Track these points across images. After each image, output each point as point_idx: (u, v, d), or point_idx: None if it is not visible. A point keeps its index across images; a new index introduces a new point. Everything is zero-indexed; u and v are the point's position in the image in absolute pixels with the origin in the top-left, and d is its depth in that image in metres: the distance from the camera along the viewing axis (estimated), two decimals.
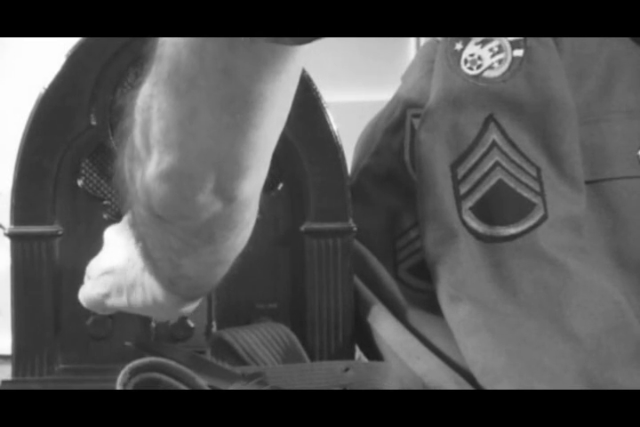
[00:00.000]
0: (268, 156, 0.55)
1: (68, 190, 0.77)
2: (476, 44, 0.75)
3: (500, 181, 0.72)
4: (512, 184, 0.72)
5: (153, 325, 0.78)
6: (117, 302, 0.70)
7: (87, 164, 0.78)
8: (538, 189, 0.71)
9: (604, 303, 0.68)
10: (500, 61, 0.73)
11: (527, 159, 0.72)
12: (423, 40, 1.09)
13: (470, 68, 0.74)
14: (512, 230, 0.71)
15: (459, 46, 0.75)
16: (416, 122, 0.78)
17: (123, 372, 0.60)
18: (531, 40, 0.73)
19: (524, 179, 0.72)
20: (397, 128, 0.81)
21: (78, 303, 0.73)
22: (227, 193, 0.54)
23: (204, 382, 0.62)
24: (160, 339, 0.78)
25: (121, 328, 0.77)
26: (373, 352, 0.76)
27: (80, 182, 0.77)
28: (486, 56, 0.74)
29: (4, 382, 0.76)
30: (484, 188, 0.72)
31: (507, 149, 0.72)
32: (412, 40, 1.46)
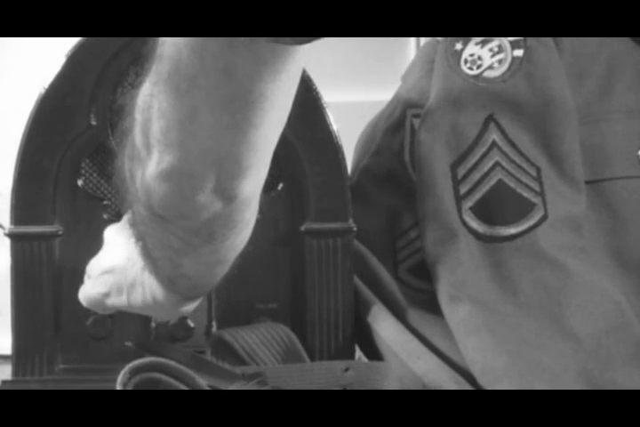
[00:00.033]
0: (269, 155, 0.55)
1: (68, 190, 0.77)
2: (476, 44, 0.75)
3: (499, 181, 0.72)
4: (512, 184, 0.72)
5: (153, 325, 0.78)
6: (117, 301, 0.70)
7: (87, 164, 0.78)
8: (538, 189, 0.71)
9: (603, 303, 0.68)
10: (499, 61, 0.73)
11: (527, 159, 0.72)
12: (423, 40, 1.09)
13: (470, 68, 0.74)
14: (512, 230, 0.71)
15: (459, 46, 0.75)
16: (416, 122, 0.78)
17: (123, 372, 0.60)
18: (531, 40, 0.73)
19: (524, 179, 0.72)
20: (397, 128, 0.81)
21: (78, 303, 0.73)
22: (227, 192, 0.54)
23: (204, 382, 0.62)
24: (160, 339, 0.78)
25: (121, 328, 0.77)
26: (373, 352, 0.76)
27: (80, 182, 0.77)
28: (486, 56, 0.74)
29: (4, 382, 0.76)
30: (484, 188, 0.72)
31: (507, 149, 0.72)
32: (412, 40, 1.46)
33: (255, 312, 0.79)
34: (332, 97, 0.78)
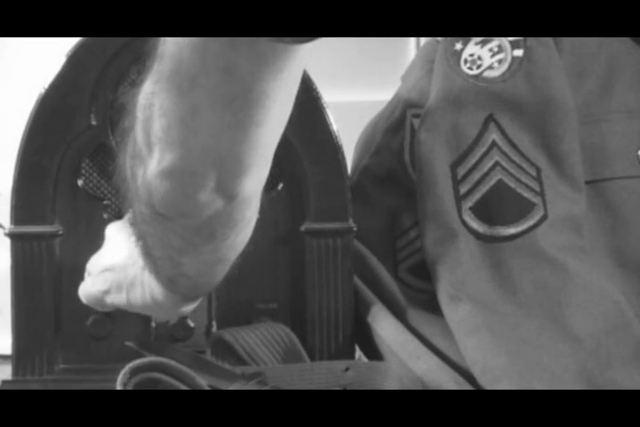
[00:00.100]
0: (270, 154, 0.55)
1: (68, 190, 0.77)
2: (476, 44, 0.75)
3: (499, 181, 0.72)
4: (512, 184, 0.72)
5: (153, 325, 0.78)
6: (117, 299, 0.70)
7: (87, 164, 0.78)
8: (538, 188, 0.71)
9: (603, 303, 0.68)
10: (499, 61, 0.73)
11: (527, 159, 0.72)
12: (423, 40, 1.09)
13: (470, 68, 0.74)
14: (512, 230, 0.71)
15: (459, 46, 0.75)
16: (416, 122, 0.78)
17: (123, 372, 0.60)
18: (531, 40, 0.73)
19: (524, 179, 0.72)
20: (397, 128, 0.81)
21: (78, 303, 0.73)
22: (228, 191, 0.54)
23: (204, 382, 0.62)
24: (160, 339, 0.78)
25: (121, 328, 0.77)
26: (373, 352, 0.76)
27: (80, 182, 0.77)
28: (486, 56, 0.74)
29: (4, 382, 0.76)
30: (484, 188, 0.72)
31: (506, 148, 0.72)
32: (412, 40, 1.46)
33: (255, 312, 0.79)
34: (331, 97, 0.78)
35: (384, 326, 0.75)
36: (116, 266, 0.69)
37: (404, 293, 0.78)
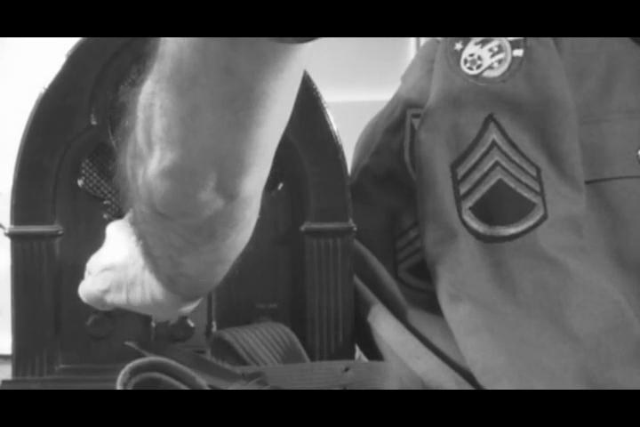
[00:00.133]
0: (271, 153, 0.55)
1: (68, 190, 0.77)
2: (476, 44, 0.75)
3: (499, 181, 0.72)
4: (512, 184, 0.72)
5: (153, 325, 0.78)
6: (117, 298, 0.70)
7: (87, 164, 0.78)
8: (538, 188, 0.71)
9: (603, 303, 0.68)
10: (499, 61, 0.73)
11: (527, 159, 0.72)
12: (423, 40, 1.09)
13: (470, 68, 0.74)
14: (512, 230, 0.71)
15: (459, 46, 0.75)
16: (416, 122, 0.78)
17: (123, 372, 0.60)
18: (531, 40, 0.73)
19: (524, 179, 0.72)
20: (397, 128, 0.81)
21: (79, 303, 0.73)
22: (228, 190, 0.54)
23: (204, 382, 0.62)
24: (160, 339, 0.78)
25: (121, 328, 0.77)
26: (373, 352, 0.76)
27: (80, 182, 0.77)
28: (486, 56, 0.74)
29: (4, 382, 0.76)
30: (484, 188, 0.72)
31: (506, 148, 0.72)
32: (412, 40, 1.46)
33: (255, 312, 0.79)
34: (331, 97, 0.78)
35: (384, 326, 0.76)
36: (116, 265, 0.69)
37: (404, 293, 0.78)
